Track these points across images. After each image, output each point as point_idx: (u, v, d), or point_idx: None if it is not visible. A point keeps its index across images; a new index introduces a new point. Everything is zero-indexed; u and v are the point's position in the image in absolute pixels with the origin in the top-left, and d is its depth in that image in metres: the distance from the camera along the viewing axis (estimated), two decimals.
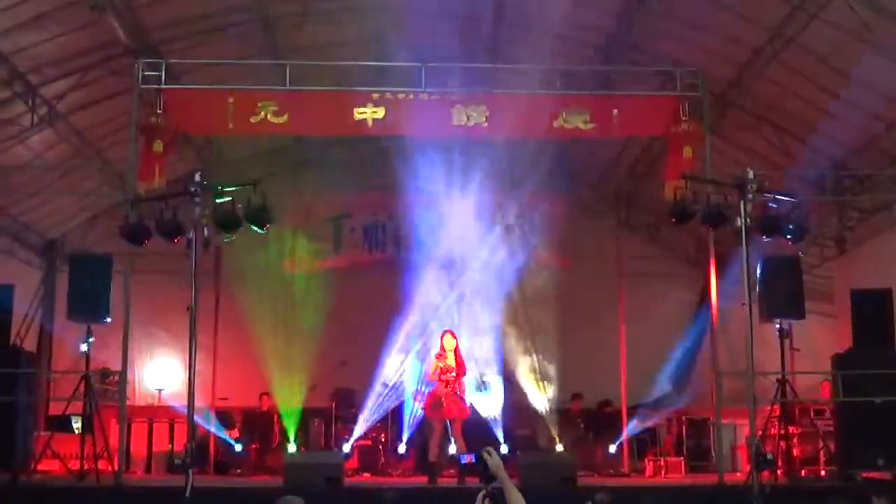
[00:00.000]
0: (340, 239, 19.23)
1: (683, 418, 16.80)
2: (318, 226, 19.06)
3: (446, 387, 13.30)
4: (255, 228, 10.91)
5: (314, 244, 18.99)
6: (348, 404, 16.72)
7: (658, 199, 14.62)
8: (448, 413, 13.23)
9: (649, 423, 16.87)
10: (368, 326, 17.10)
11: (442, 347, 13.57)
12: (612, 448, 15.93)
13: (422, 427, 15.20)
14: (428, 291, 17.04)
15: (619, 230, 18.37)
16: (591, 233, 18.42)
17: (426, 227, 17.70)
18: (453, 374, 13.33)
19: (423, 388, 14.34)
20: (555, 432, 16.42)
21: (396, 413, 16.45)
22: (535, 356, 17.32)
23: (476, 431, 14.59)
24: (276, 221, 11.32)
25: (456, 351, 13.52)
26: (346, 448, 15.24)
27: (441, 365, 13.38)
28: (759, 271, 13.34)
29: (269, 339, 17.33)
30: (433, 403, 13.40)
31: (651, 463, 15.56)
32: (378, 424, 16.19)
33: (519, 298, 17.47)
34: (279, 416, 16.40)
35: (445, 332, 13.80)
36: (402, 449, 15.76)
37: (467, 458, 12.42)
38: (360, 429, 15.92)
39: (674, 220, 12.04)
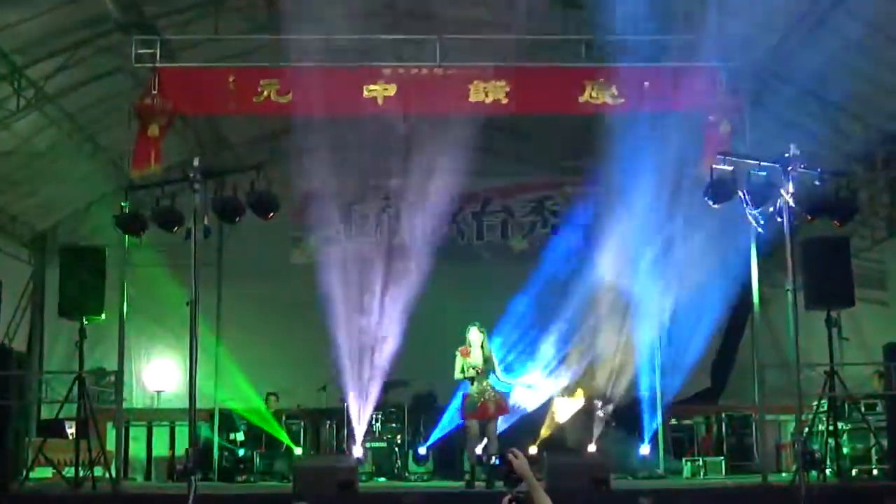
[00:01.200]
0: (351, 225, 19.26)
1: (723, 415, 16.77)
2: (326, 213, 19.09)
3: (474, 385, 13.31)
4: (260, 216, 10.92)
5: (322, 233, 19.04)
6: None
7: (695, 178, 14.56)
8: (484, 413, 13.26)
9: (686, 421, 16.86)
10: (385, 320, 17.10)
11: (468, 341, 13.58)
12: (646, 448, 15.92)
13: (454, 429, 15.24)
14: (445, 280, 17.04)
15: (649, 212, 18.27)
16: (620, 216, 18.35)
17: (447, 213, 17.74)
18: (480, 370, 13.32)
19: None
20: (584, 431, 16.41)
21: (414, 412, 16.49)
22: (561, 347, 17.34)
23: (507, 431, 14.68)
24: (282, 208, 11.32)
25: (483, 345, 13.52)
26: (356, 451, 15.30)
27: (467, 362, 13.38)
28: (804, 255, 13.28)
29: (277, 335, 17.39)
30: (467, 404, 13.42)
31: (689, 463, 15.56)
32: (393, 425, 16.23)
33: (541, 287, 17.50)
34: (288, 418, 16.48)
35: (471, 325, 13.77)
36: (422, 450, 15.79)
37: (491, 460, 12.53)
38: (365, 429, 16.01)
39: (712, 200, 11.99)
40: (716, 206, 12.13)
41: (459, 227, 18.79)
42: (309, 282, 17.12)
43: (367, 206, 19.31)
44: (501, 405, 13.46)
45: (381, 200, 19.31)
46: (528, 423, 15.80)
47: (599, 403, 16.77)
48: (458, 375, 13.51)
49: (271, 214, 11.04)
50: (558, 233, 19.08)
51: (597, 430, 16.34)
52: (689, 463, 15.57)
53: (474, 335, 13.51)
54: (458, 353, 13.54)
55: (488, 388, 13.35)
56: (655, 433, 15.91)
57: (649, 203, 17.57)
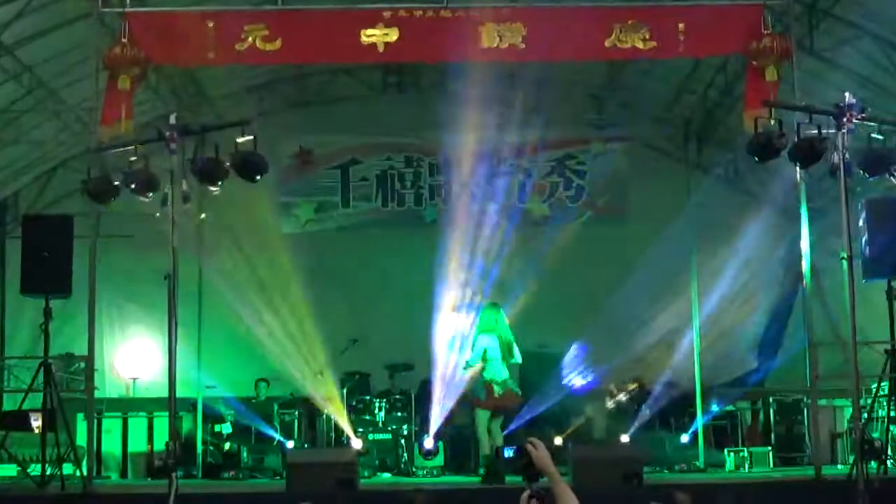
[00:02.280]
0: (348, 191, 19.28)
1: (771, 400, 16.78)
2: (321, 175, 19.12)
3: (493, 372, 13.37)
4: (246, 180, 10.91)
5: (317, 198, 19.05)
6: (363, 391, 16.82)
7: (737, 132, 14.50)
8: (503, 402, 13.32)
9: (729, 407, 16.86)
10: (386, 297, 17.15)
11: (484, 322, 13.59)
12: (685, 437, 15.93)
13: (463, 418, 15.32)
14: (459, 253, 17.06)
15: (688, 172, 18.27)
16: (656, 176, 18.35)
17: (453, 173, 17.73)
18: (497, 354, 13.37)
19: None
20: (614, 421, 16.46)
21: (422, 400, 16.55)
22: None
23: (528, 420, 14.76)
24: (271, 171, 11.31)
25: (500, 326, 13.53)
26: (356, 443, 15.36)
27: (484, 345, 13.43)
28: (862, 219, 13.23)
29: (266, 314, 17.39)
30: (487, 394, 13.47)
31: (732, 455, 15.58)
32: (398, 415, 16.29)
33: (564, 259, 17.50)
34: (280, 408, 16.52)
35: (488, 304, 13.76)
36: (429, 443, 15.86)
37: (510, 452, 12.59)
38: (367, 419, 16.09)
39: (756, 157, 11.93)
40: (761, 163, 12.07)
41: (470, 190, 18.74)
42: (302, 253, 17.18)
43: (367, 168, 19.28)
44: (515, 395, 13.55)
45: (382, 160, 19.29)
46: (553, 413, 15.91)
47: (616, 389, 16.89)
48: (476, 363, 13.55)
49: (259, 177, 11.00)
50: (584, 196, 19.05)
51: (629, 420, 16.40)
52: (732, 454, 15.58)
53: (489, 315, 13.56)
54: (478, 338, 13.63)
55: (505, 374, 13.43)
56: (694, 421, 15.92)
57: (686, 159, 17.61)
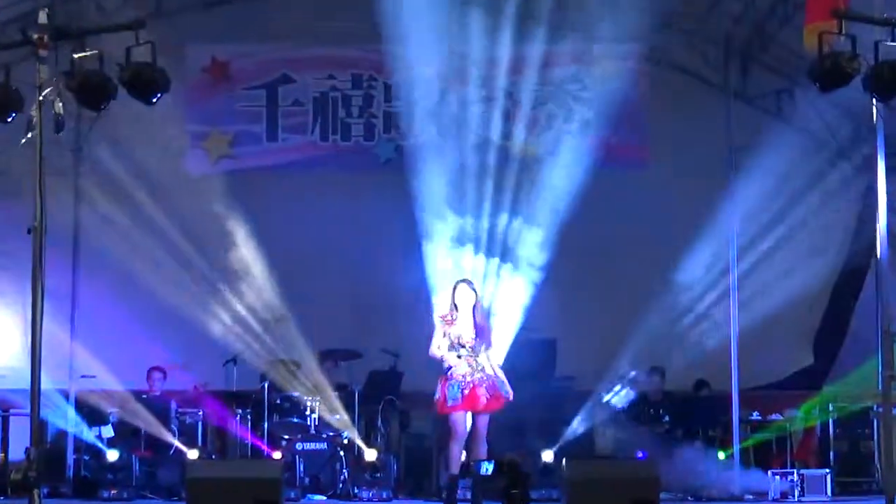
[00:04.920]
0: (276, 118, 19.22)
1: (830, 407, 16.90)
2: (240, 97, 19.05)
3: (460, 363, 13.40)
4: (140, 100, 10.87)
5: (234, 127, 18.98)
6: (291, 385, 16.85)
7: (794, 52, 14.52)
8: (472, 403, 13.35)
9: (775, 416, 16.98)
10: (324, 262, 17.14)
11: (454, 305, 13.60)
12: (718, 454, 16.04)
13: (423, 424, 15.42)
14: (422, 206, 17.09)
15: (728, 103, 18.32)
16: (686, 107, 18.37)
17: (415, 98, 17.69)
18: (471, 345, 13.40)
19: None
20: (624, 430, 16.58)
21: (369, 398, 16.61)
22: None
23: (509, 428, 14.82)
24: (173, 89, 11.26)
25: (476, 309, 13.57)
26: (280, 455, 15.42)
27: (452, 333, 13.44)
28: None
29: (162, 283, 17.37)
30: (448, 391, 13.49)
31: (778, 478, 15.70)
32: (337, 417, 16.35)
33: (563, 215, 17.55)
34: (180, 406, 16.54)
35: (459, 282, 13.79)
36: (370, 456, 15.92)
37: (486, 468, 12.65)
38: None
39: (819, 85, 11.97)
40: (825, 93, 12.12)
41: (440, 121, 18.72)
42: (213, 201, 17.14)
43: (302, 88, 19.22)
44: (496, 394, 13.54)
45: (322, 79, 19.23)
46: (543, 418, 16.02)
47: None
48: (435, 352, 13.56)
49: (157, 97, 10.96)
50: (590, 132, 19.06)
51: (643, 428, 16.50)
52: (778, 478, 15.72)
53: (463, 295, 13.56)
54: (438, 321, 13.60)
55: (479, 369, 13.42)
56: (729, 433, 16.02)
57: (726, 86, 17.64)
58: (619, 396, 16.97)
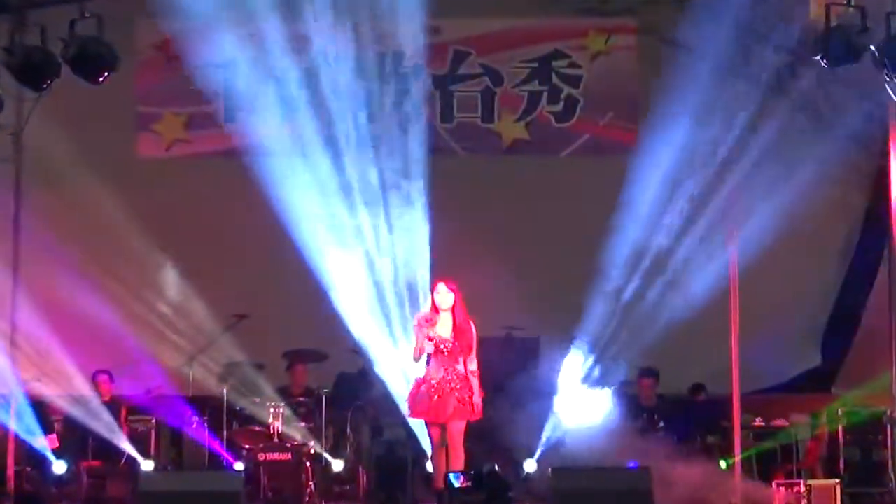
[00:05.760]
0: (234, 98, 19.16)
1: (839, 412, 16.94)
2: (194, 76, 18.99)
3: (431, 367, 13.44)
4: (86, 79, 10.89)
5: (189, 108, 18.96)
6: (252, 390, 16.85)
7: (798, 24, 14.58)
8: (437, 412, 13.38)
9: (779, 422, 17.03)
10: (286, 255, 17.16)
11: (433, 307, 13.65)
12: (722, 463, 16.10)
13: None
14: (391, 194, 17.14)
15: (726, 81, 18.36)
16: (679, 86, 18.39)
17: (385, 74, 17.71)
18: (449, 348, 13.45)
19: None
20: (614, 437, 16.61)
21: (337, 403, 16.65)
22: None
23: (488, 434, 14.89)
24: (122, 67, 11.29)
25: (455, 312, 13.60)
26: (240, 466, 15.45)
27: (431, 335, 13.48)
28: None
29: (111, 277, 17.37)
30: (422, 397, 13.52)
31: (783, 488, 15.75)
32: (302, 425, 16.37)
33: (548, 205, 17.58)
34: (131, 412, 16.53)
35: (437, 281, 13.83)
36: (338, 466, 15.94)
37: (461, 480, 12.68)
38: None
39: (826, 61, 12.04)
40: (833, 68, 12.19)
41: (414, 101, 18.75)
42: (166, 187, 17.14)
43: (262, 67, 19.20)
44: (466, 405, 13.58)
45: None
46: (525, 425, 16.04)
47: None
48: (417, 356, 13.61)
49: (104, 76, 10.98)
50: (577, 112, 19.10)
51: (631, 434, 16.56)
52: (783, 488, 15.75)
53: (442, 297, 13.61)
54: (415, 324, 13.65)
55: (454, 375, 13.46)
56: (729, 440, 16.07)
57: (724, 62, 17.69)
58: (600, 396, 17.00)
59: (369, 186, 17.28)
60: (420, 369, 13.64)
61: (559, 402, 16.83)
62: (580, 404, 16.92)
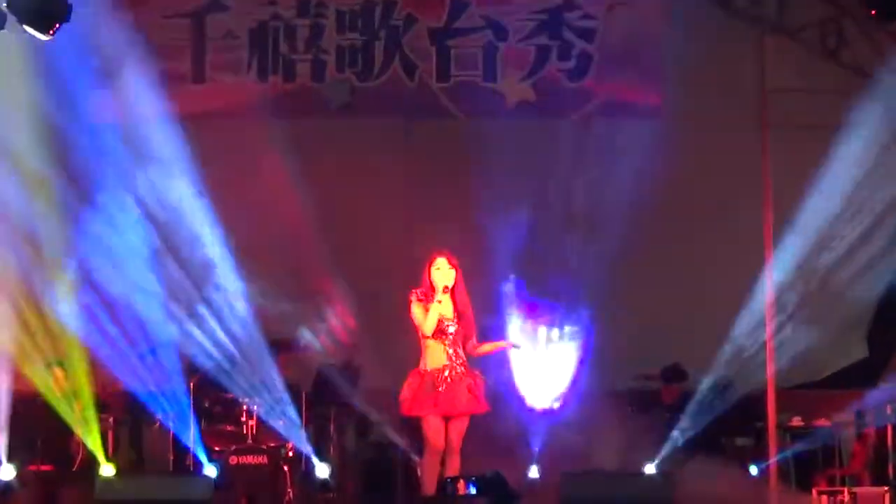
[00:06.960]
0: (203, 55, 19.20)
1: (889, 411, 16.97)
2: (159, 28, 18.99)
3: (432, 353, 13.39)
4: (35, 31, 10.89)
5: (153, 65, 18.95)
6: (223, 386, 16.86)
7: None
8: (449, 405, 13.34)
9: (820, 421, 17.06)
10: (262, 231, 17.19)
11: (430, 283, 13.54)
12: (753, 469, 16.12)
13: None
14: (380, 156, 17.15)
15: (762, 36, 18.37)
16: (708, 42, 18.41)
17: (377, 29, 17.73)
18: (451, 331, 13.40)
19: None
20: (633, 438, 16.65)
21: (319, 400, 16.68)
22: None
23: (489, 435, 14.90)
24: (75, 19, 11.27)
25: (456, 290, 13.52)
26: (211, 470, 15.50)
27: (434, 311, 13.40)
28: None
29: (63, 255, 17.39)
30: (417, 388, 13.46)
31: (825, 496, 15.78)
32: (281, 423, 16.42)
33: (559, 174, 17.63)
34: (84, 408, 16.56)
35: (436, 254, 13.71)
36: (321, 471, 15.99)
37: (460, 485, 12.68)
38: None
39: (875, 15, 12.06)
40: (883, 24, 12.20)
41: (407, 58, 18.77)
42: (125, 156, 17.11)
43: (236, 17, 19.19)
44: (476, 395, 13.54)
45: (260, 5, 19.19)
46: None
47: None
48: (421, 320, 13.47)
49: (55, 28, 10.98)
50: (591, 71, 19.13)
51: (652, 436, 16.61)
52: (824, 496, 15.79)
53: (441, 273, 13.53)
54: (412, 299, 13.55)
55: (460, 362, 13.40)
56: (764, 442, 16.11)
57: (759, 15, 17.72)
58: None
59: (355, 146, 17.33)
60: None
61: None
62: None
